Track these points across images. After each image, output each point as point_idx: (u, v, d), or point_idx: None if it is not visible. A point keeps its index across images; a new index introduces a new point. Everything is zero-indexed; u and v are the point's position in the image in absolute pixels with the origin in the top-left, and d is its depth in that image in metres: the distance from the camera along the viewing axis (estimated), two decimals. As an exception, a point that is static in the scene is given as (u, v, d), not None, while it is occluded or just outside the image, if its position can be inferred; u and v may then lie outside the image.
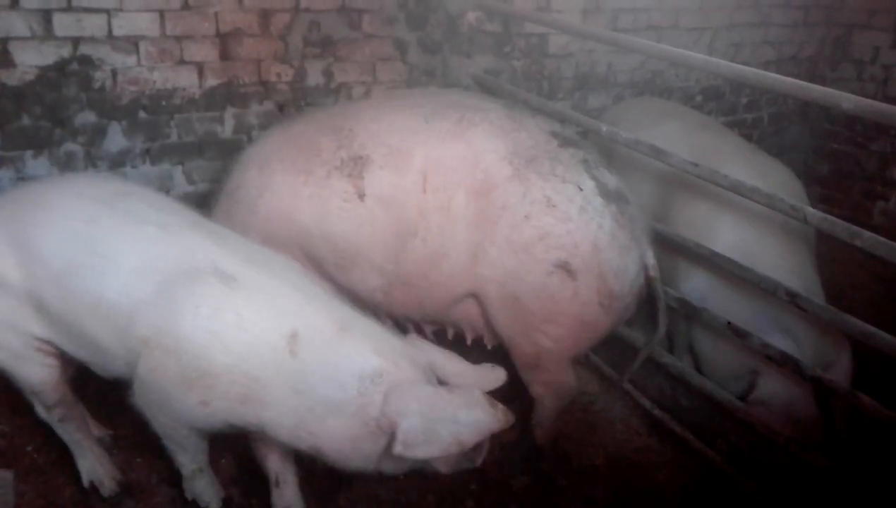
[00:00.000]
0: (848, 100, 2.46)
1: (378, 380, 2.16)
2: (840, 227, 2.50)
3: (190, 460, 2.50)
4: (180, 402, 2.21)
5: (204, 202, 3.51)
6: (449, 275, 2.69)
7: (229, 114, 3.51)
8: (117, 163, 3.35)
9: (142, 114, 3.33)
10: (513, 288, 2.61)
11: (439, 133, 2.75)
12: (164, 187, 3.46)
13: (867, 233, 2.48)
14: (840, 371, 2.89)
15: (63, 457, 2.76)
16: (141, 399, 2.29)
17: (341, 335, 2.22)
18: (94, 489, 2.71)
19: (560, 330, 2.64)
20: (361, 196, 2.73)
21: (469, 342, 2.92)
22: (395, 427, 2.10)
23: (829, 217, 2.53)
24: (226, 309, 2.19)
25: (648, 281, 2.74)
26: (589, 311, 2.60)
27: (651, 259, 2.72)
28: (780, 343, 2.81)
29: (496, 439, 3.07)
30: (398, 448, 2.09)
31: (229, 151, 3.52)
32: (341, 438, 2.20)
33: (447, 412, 2.13)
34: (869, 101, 2.45)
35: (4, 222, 2.41)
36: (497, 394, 2.26)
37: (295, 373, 2.17)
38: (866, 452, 2.83)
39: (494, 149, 2.68)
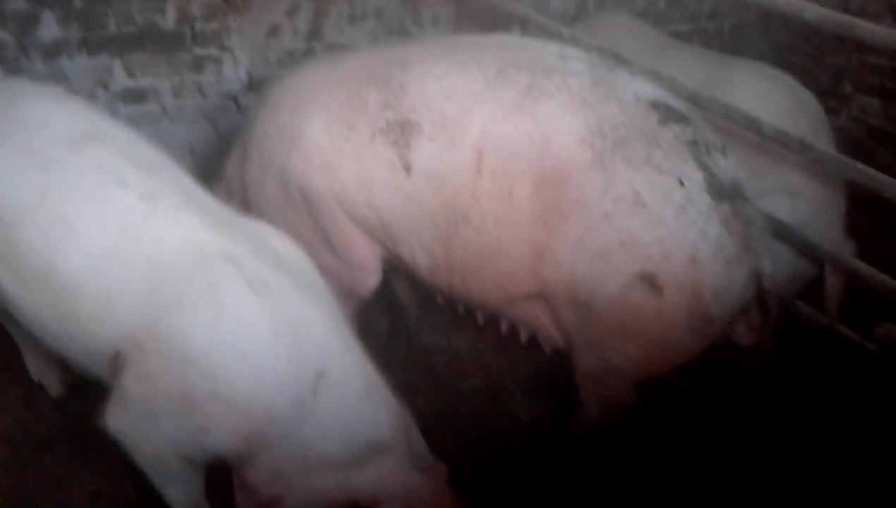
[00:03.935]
0: (811, 11, 2.44)
1: (380, 454, 2.00)
2: (793, 140, 2.52)
3: (184, 494, 2.07)
4: (174, 425, 1.86)
5: (144, 97, 3.37)
6: (506, 275, 2.30)
7: (171, 3, 3.29)
8: (51, 54, 3.16)
9: (77, 2, 3.11)
10: (584, 296, 2.17)
11: (502, 103, 2.25)
12: (103, 81, 3.29)
13: (819, 148, 2.51)
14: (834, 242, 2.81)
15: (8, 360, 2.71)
16: (119, 418, 1.91)
17: (367, 395, 1.97)
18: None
19: (635, 350, 2.22)
20: (408, 169, 2.32)
21: (523, 341, 2.59)
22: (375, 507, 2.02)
23: (783, 131, 2.54)
24: (259, 326, 1.83)
25: (761, 294, 2.22)
26: (673, 334, 2.15)
27: (768, 269, 2.18)
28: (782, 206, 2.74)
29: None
30: None
31: (171, 44, 3.35)
32: (315, 494, 2.00)
33: (421, 498, 2.06)
34: (831, 12, 2.44)
35: None
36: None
37: (308, 417, 1.87)
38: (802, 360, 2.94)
39: (570, 129, 2.17)
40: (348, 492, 2.03)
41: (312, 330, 1.91)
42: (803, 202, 2.84)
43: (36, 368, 2.68)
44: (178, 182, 2.06)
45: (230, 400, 1.81)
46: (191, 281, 1.85)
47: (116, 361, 1.89)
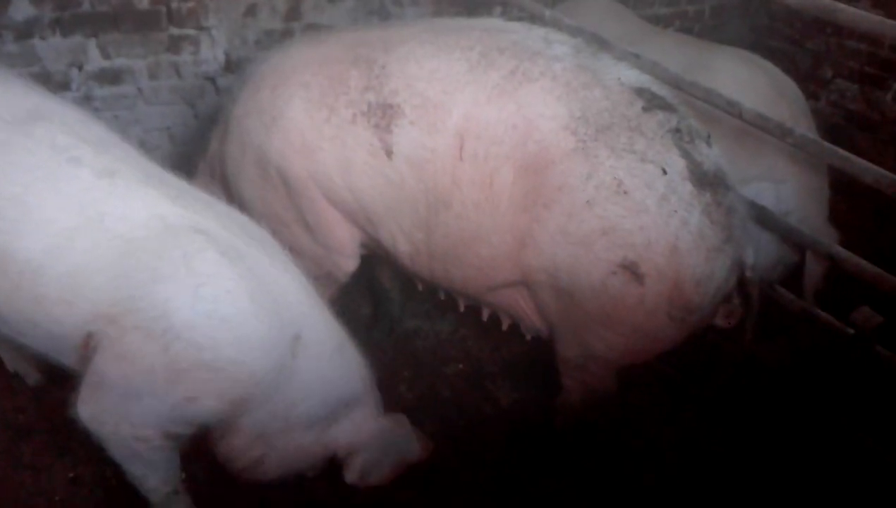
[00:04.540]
0: (792, -7, 2.44)
1: (354, 406, 2.13)
2: (773, 125, 2.53)
3: (162, 481, 2.08)
4: (157, 398, 1.85)
5: (119, 78, 3.31)
6: (487, 261, 2.29)
7: (146, -18, 3.23)
8: (24, 35, 3.07)
9: (49, -21, 3.04)
10: (566, 283, 2.17)
11: (484, 87, 2.22)
12: (78, 62, 3.21)
13: (798, 131, 2.52)
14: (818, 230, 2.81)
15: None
16: (95, 403, 1.89)
17: (339, 352, 2.07)
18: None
19: (616, 338, 2.22)
20: (389, 153, 2.29)
21: (504, 328, 2.60)
22: (352, 458, 2.17)
23: (763, 114, 2.54)
24: (238, 294, 1.86)
25: (742, 283, 2.23)
26: (654, 323, 2.15)
27: (750, 258, 2.19)
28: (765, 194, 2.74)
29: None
30: (352, 478, 2.19)
31: (147, 23, 3.27)
32: (295, 452, 2.10)
33: (394, 443, 2.20)
34: (811, -5, 2.44)
35: None
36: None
37: (289, 378, 1.94)
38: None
39: (554, 114, 2.15)
40: (327, 446, 2.14)
41: (287, 295, 1.96)
42: (787, 190, 2.85)
43: (10, 358, 2.63)
44: (131, 157, 2.04)
45: (217, 367, 1.83)
46: (164, 254, 1.84)
47: (87, 344, 1.87)
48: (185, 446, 2.08)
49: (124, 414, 1.88)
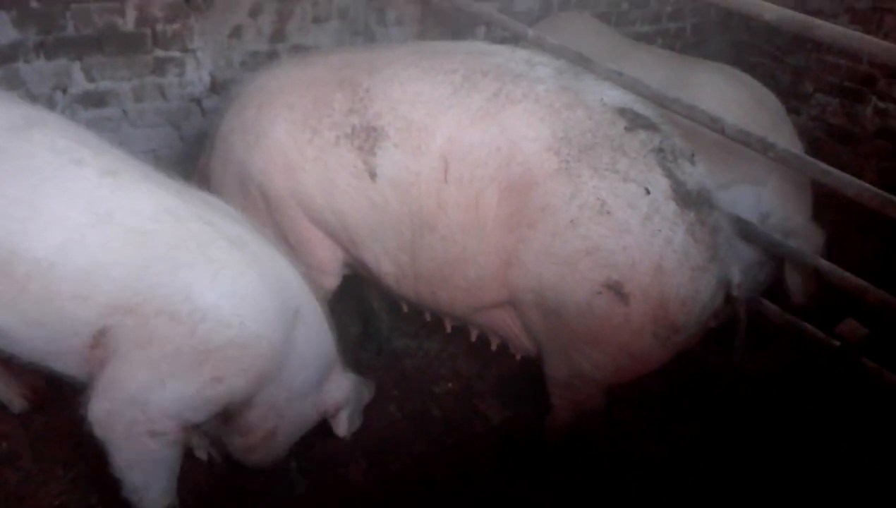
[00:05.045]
0: (770, 11, 2.48)
1: (333, 369, 2.32)
2: (755, 140, 2.55)
3: (162, 492, 2.13)
4: (183, 382, 1.92)
5: (104, 100, 3.30)
6: (474, 282, 2.30)
7: (131, 4, 3.22)
8: (8, 58, 3.06)
9: (33, 3, 3.02)
10: (552, 303, 2.18)
11: (468, 110, 2.23)
12: (62, 85, 3.21)
13: (780, 146, 2.55)
14: (805, 239, 2.83)
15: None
16: (110, 399, 1.93)
17: (322, 323, 2.26)
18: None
19: (602, 357, 2.22)
20: (373, 175, 2.30)
21: (494, 348, 2.62)
22: (338, 415, 2.39)
23: (744, 129, 2.57)
24: (251, 275, 2.01)
25: (729, 302, 2.22)
26: (640, 342, 2.15)
27: (737, 276, 2.18)
28: (747, 197, 2.75)
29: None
30: (342, 432, 2.42)
31: (132, 46, 3.28)
32: (299, 420, 2.30)
33: (361, 396, 2.47)
34: (790, 12, 2.48)
35: None
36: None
37: (292, 350, 2.11)
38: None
39: (537, 136, 2.15)
40: (319, 409, 2.34)
41: (285, 275, 2.14)
42: (767, 192, 2.87)
43: (-2, 390, 2.61)
44: (126, 159, 2.14)
45: (242, 343, 1.95)
46: (180, 243, 1.95)
47: (97, 343, 1.91)
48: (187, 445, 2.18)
49: (143, 406, 1.93)
